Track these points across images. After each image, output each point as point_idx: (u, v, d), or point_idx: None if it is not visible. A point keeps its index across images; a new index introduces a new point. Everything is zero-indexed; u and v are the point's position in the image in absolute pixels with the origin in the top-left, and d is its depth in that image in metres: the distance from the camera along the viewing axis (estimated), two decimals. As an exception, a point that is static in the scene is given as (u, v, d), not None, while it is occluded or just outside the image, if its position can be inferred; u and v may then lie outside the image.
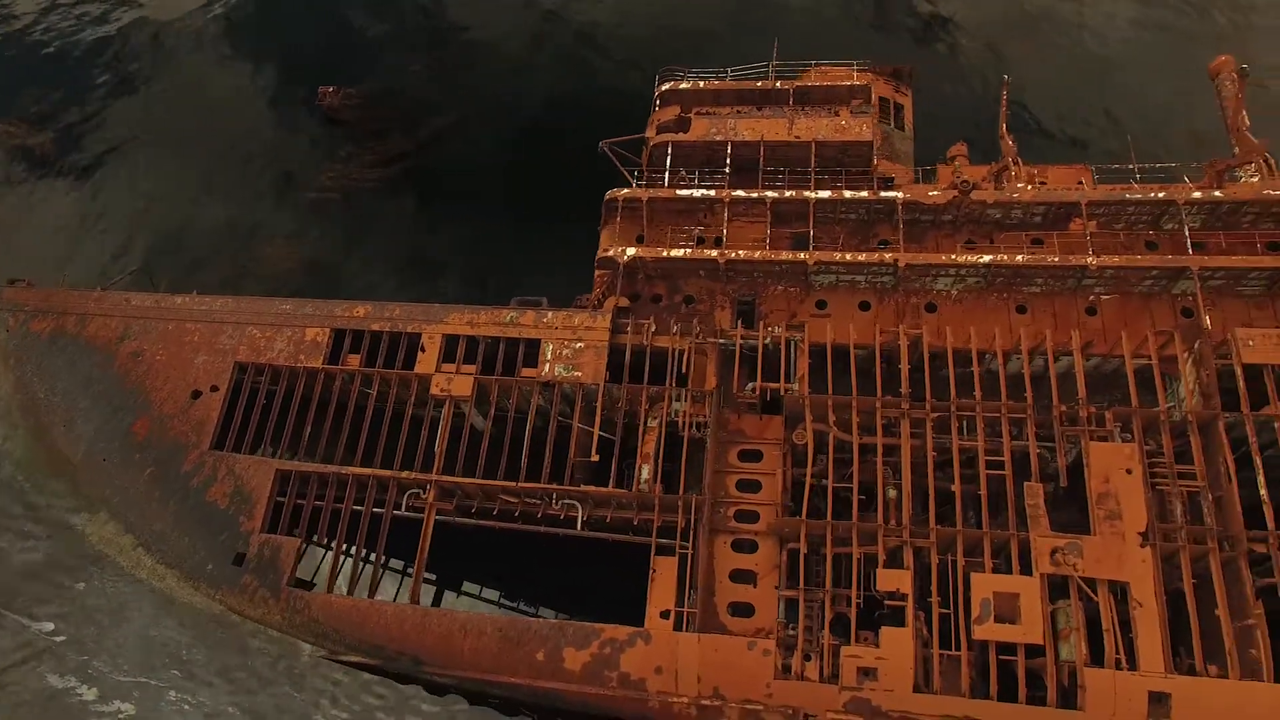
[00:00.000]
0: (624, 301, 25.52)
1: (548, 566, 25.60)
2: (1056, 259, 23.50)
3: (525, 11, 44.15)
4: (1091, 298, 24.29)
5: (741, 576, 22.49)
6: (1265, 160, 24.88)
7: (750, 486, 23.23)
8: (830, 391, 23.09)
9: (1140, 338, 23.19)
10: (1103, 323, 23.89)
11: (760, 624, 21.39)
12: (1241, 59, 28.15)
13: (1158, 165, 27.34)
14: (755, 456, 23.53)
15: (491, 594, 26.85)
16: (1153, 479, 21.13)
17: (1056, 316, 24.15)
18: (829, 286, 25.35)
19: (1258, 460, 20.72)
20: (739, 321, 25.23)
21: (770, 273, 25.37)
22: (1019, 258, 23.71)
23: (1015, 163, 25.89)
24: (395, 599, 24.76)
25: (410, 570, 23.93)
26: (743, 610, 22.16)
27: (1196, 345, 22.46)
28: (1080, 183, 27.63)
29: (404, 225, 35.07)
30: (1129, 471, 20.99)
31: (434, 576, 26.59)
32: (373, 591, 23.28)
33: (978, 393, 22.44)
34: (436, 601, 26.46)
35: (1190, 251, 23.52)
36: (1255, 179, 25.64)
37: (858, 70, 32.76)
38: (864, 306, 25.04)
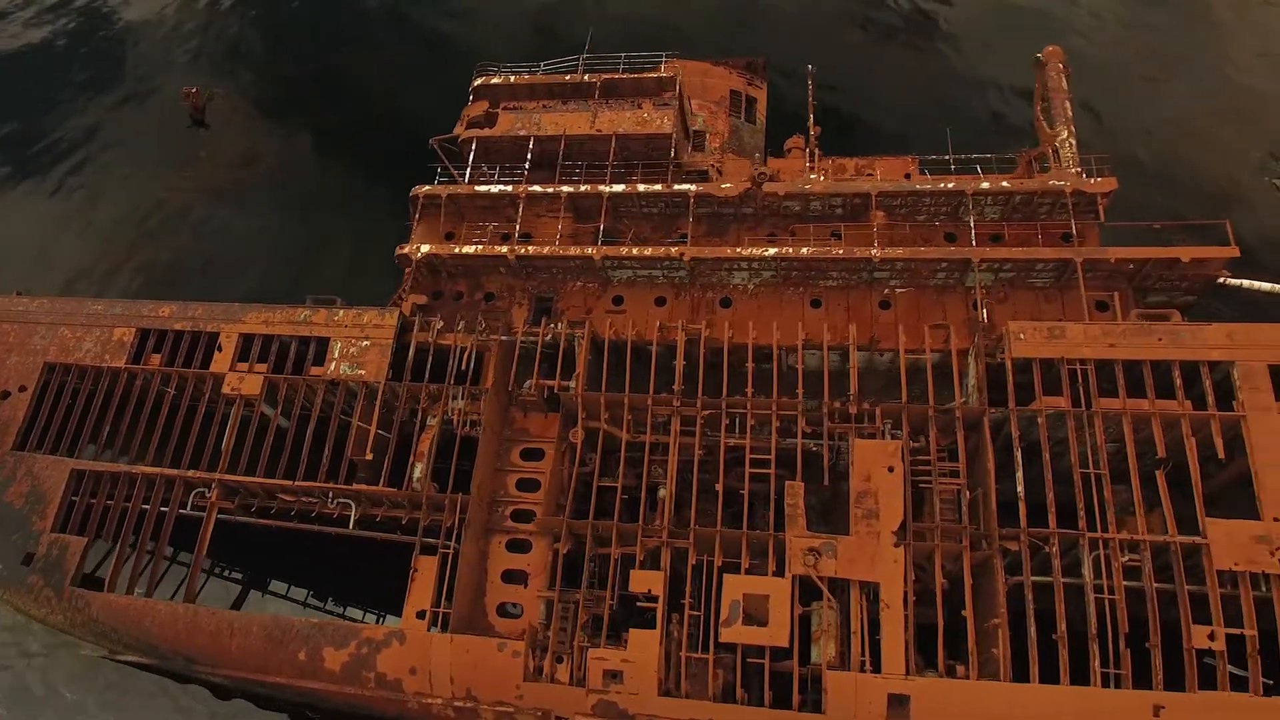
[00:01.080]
0: (421, 299, 25.26)
1: (359, 564, 25.40)
2: (841, 251, 23.02)
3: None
4: (886, 291, 23.81)
5: (513, 577, 22.22)
6: (1054, 150, 24.32)
7: (530, 485, 22.93)
8: (627, 389, 22.65)
9: (936, 332, 22.70)
10: (895, 316, 23.42)
11: (528, 624, 21.12)
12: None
13: (973, 156, 26.77)
14: (537, 455, 23.22)
15: (300, 593, 26.65)
16: (917, 477, 20.71)
17: (850, 310, 23.69)
18: (626, 282, 24.98)
19: (1018, 455, 20.23)
20: (542, 319, 24.89)
21: (568, 269, 25.05)
22: (804, 250, 23.24)
23: (809, 154, 25.42)
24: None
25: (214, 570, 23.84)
26: (511, 611, 21.91)
27: (976, 339, 21.96)
28: (908, 175, 27.21)
29: (258, 226, 34.89)
30: (891, 469, 20.51)
31: (240, 575, 26.47)
32: (151, 590, 23.17)
33: (749, 389, 22.00)
34: (241, 600, 26.34)
35: (974, 243, 23.01)
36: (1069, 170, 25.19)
37: (712, 64, 32.55)
38: (660, 302, 24.67)
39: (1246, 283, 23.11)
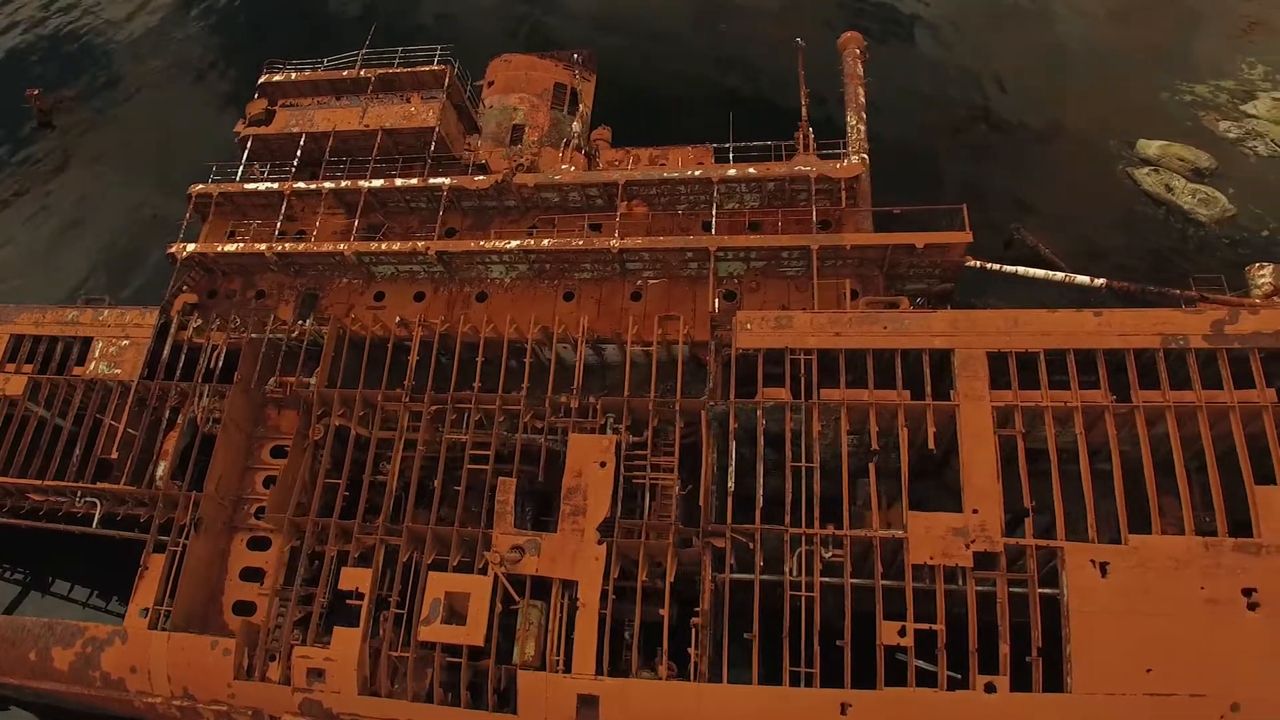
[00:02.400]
0: (192, 298, 25.22)
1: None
2: (581, 242, 22.59)
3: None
4: (639, 283, 23.34)
5: (251, 574, 22.14)
6: (804, 136, 23.70)
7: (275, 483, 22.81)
8: (361, 385, 22.48)
9: (688, 322, 22.17)
10: (644, 308, 22.93)
11: (242, 623, 21.00)
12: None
13: (767, 144, 26.02)
14: (285, 453, 23.09)
15: (81, 594, 26.72)
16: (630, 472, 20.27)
17: (601, 303, 23.25)
18: (389, 278, 24.76)
19: (732, 446, 19.74)
20: (310, 316, 24.75)
21: (333, 265, 24.87)
22: (545, 242, 22.84)
23: (574, 145, 24.96)
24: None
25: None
26: (246, 609, 21.83)
27: (715, 331, 21.43)
28: (702, 163, 26.65)
29: (106, 229, 35.21)
30: (603, 465, 20.08)
31: (20, 576, 26.60)
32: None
33: (476, 384, 21.65)
34: (19, 602, 26.41)
35: (714, 231, 22.46)
36: (856, 159, 24.55)
37: (539, 57, 32.24)
38: (419, 297, 24.42)
39: (992, 265, 22.46)
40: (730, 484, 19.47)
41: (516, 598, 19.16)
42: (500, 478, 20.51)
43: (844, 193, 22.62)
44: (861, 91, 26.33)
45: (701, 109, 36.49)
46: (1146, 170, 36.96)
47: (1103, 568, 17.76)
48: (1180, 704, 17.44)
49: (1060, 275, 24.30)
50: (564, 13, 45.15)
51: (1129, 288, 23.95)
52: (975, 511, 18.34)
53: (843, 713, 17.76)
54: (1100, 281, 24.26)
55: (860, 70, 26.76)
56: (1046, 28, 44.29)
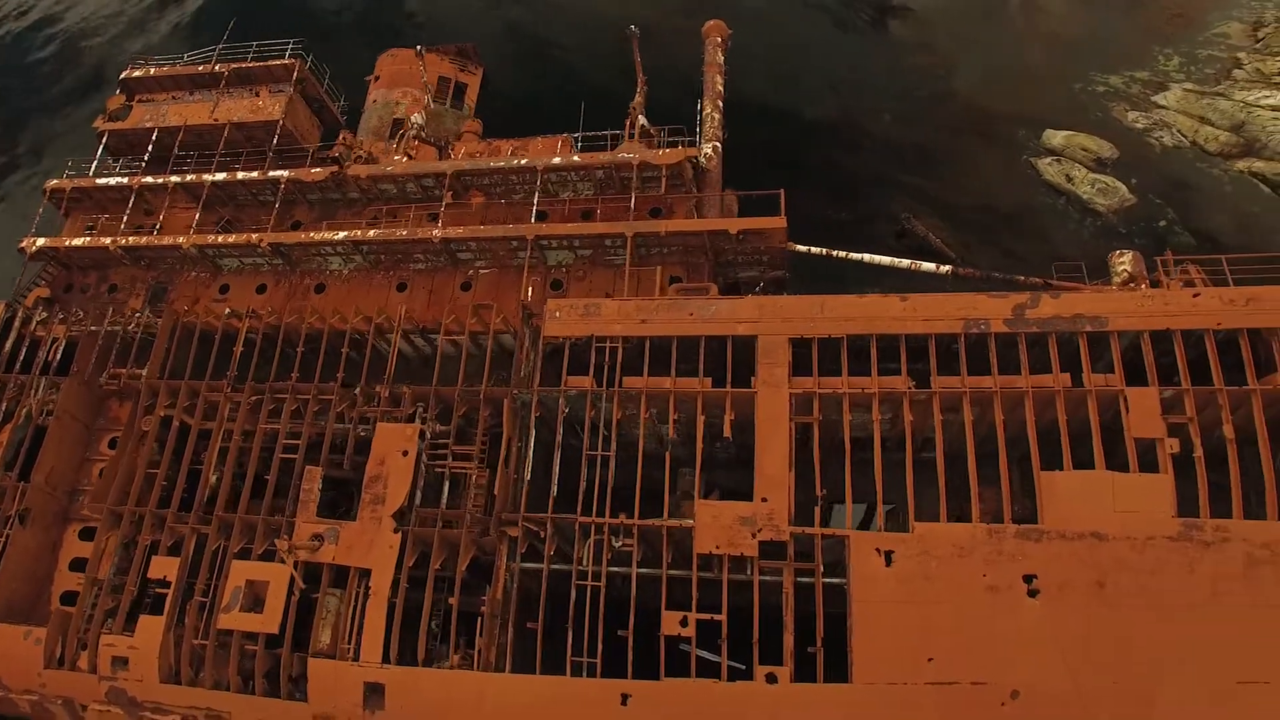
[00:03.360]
0: (44, 292, 25.40)
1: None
2: (405, 232, 22.60)
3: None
4: (470, 273, 23.31)
5: (80, 565, 22.20)
6: (634, 124, 23.58)
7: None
8: (187, 375, 22.48)
9: (512, 310, 22.09)
10: (474, 298, 22.88)
11: (53, 610, 21.06)
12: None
13: (618, 133, 25.96)
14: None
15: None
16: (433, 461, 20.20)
17: (433, 293, 23.23)
18: (234, 271, 24.85)
19: (531, 434, 19.65)
20: (152, 308, 24.82)
21: (181, 259, 24.98)
22: (371, 232, 22.90)
23: (411, 136, 24.96)
24: None
25: None
26: (72, 599, 21.89)
27: (531, 319, 21.33)
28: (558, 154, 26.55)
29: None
30: (405, 453, 20.05)
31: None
32: None
33: (294, 374, 21.67)
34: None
35: (534, 220, 22.42)
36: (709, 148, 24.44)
37: (425, 50, 32.26)
38: (261, 289, 24.47)
39: (816, 250, 22.32)
40: (527, 473, 19.40)
41: (301, 585, 19.14)
42: (308, 466, 20.52)
43: (664, 180, 22.44)
44: (719, 80, 26.22)
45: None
46: (1049, 160, 36.70)
47: (887, 556, 17.52)
48: (961, 692, 17.20)
49: (906, 262, 24.06)
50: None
51: (974, 274, 23.72)
52: (764, 500, 18.16)
53: (623, 703, 17.64)
54: (946, 268, 24.04)
55: (720, 59, 26.64)
56: (966, 19, 44.03)
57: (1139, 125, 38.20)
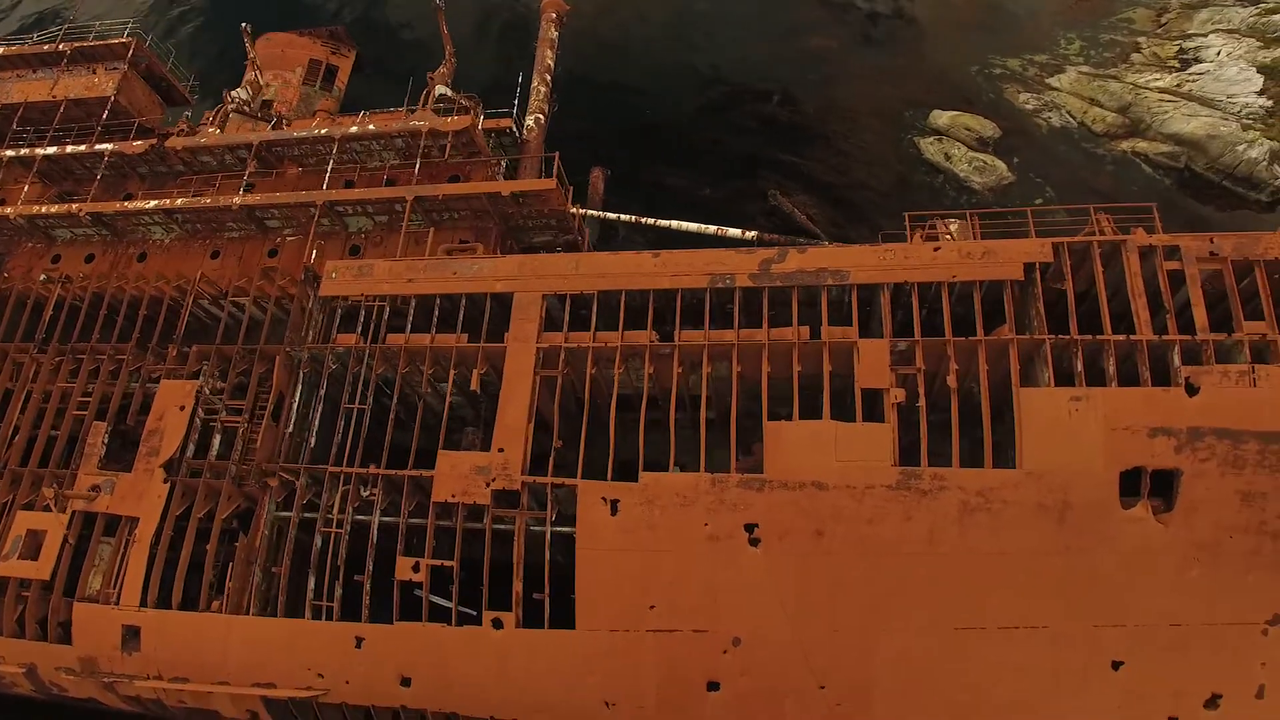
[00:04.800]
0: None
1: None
2: (209, 200, 23.32)
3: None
4: (278, 240, 23.95)
5: None
6: (430, 92, 24.16)
7: None
8: (17, 338, 23.41)
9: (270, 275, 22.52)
10: (280, 264, 23.50)
11: None
12: None
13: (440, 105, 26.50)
14: None
15: None
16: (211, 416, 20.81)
17: (242, 260, 23.88)
18: (67, 242, 25.72)
19: (298, 389, 20.20)
20: None
21: (16, 230, 25.89)
22: (179, 201, 23.67)
23: (231, 110, 25.73)
24: None
25: None
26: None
27: (315, 281, 21.84)
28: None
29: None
30: (182, 408, 20.69)
31: None
32: None
33: (95, 335, 22.46)
34: None
35: (326, 186, 23.02)
36: (531, 120, 25.00)
37: (297, 35, 33.16)
38: (89, 259, 25.30)
39: (599, 214, 22.71)
40: (289, 426, 19.95)
41: (72, 538, 19.83)
42: (95, 422, 21.27)
43: (449, 146, 22.91)
44: (550, 56, 26.81)
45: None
46: (931, 139, 36.67)
47: (613, 505, 17.81)
48: (683, 640, 17.48)
49: (713, 229, 24.39)
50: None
51: (778, 240, 23.95)
52: (501, 450, 18.53)
53: (357, 646, 18.11)
54: (752, 234, 24.29)
55: (553, 35, 27.22)
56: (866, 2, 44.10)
57: (1029, 106, 38.03)
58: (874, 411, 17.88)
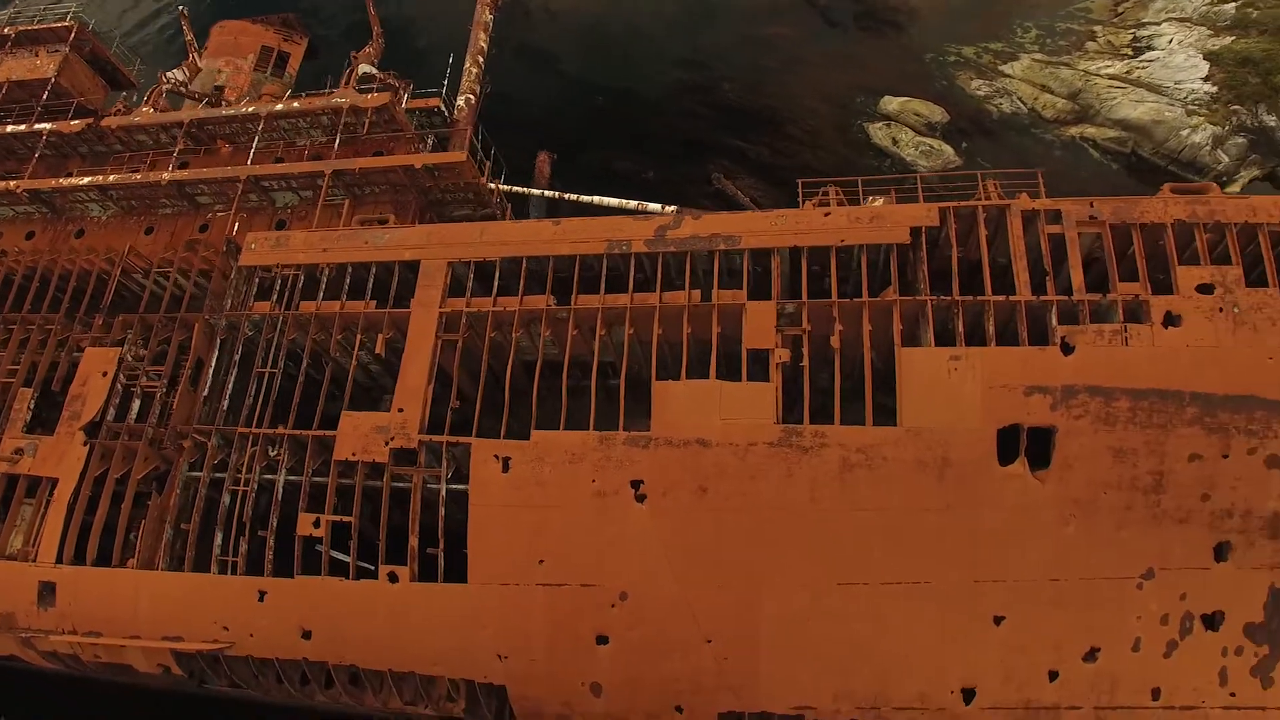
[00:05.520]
0: None
1: None
2: (140, 176, 24.02)
3: None
4: (209, 216, 24.62)
5: None
6: (354, 71, 24.82)
7: None
8: None
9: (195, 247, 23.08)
10: (209, 238, 24.15)
11: None
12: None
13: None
14: None
15: None
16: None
17: (174, 235, 24.56)
18: (9, 220, 26.52)
19: (214, 355, 20.85)
20: None
21: (-45, 208, 26.69)
22: (111, 177, 24.42)
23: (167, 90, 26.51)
24: None
25: None
26: None
27: (235, 253, 22.41)
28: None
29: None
30: (105, 374, 21.34)
31: None
32: None
33: (25, 307, 23.16)
34: None
35: (250, 163, 23.69)
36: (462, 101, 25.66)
37: (250, 22, 33.93)
38: (30, 235, 26.05)
39: (521, 189, 23.29)
40: (205, 391, 20.58)
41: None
42: (21, 389, 21.97)
43: (368, 122, 23.55)
44: (483, 38, 27.40)
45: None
46: (880, 124, 37.08)
47: (505, 462, 18.30)
48: (571, 593, 17.94)
49: (633, 203, 24.87)
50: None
51: (696, 211, 24.37)
52: (400, 410, 19.08)
53: (260, 599, 18.67)
54: (671, 209, 24.70)
55: (487, 18, 27.81)
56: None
57: (980, 93, 38.41)
58: (764, 373, 18.31)
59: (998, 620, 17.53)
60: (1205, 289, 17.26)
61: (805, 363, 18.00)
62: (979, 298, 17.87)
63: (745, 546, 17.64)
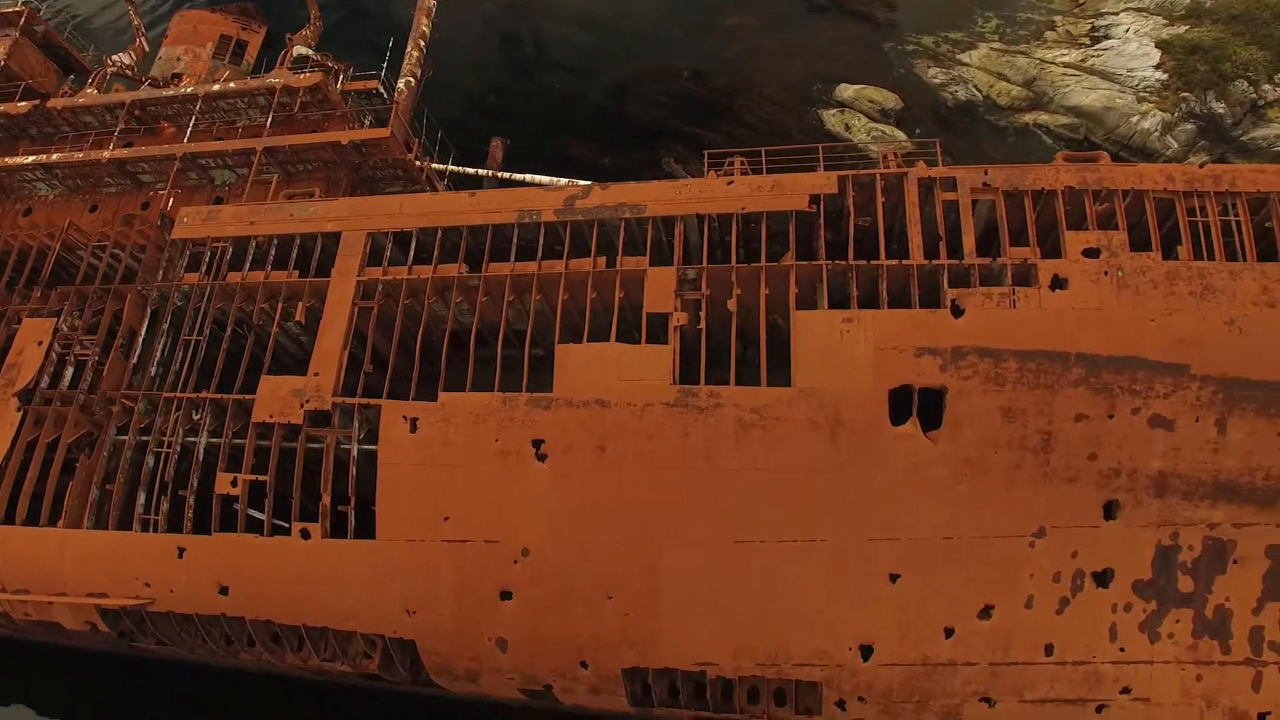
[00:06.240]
0: None
1: None
2: (81, 155, 24.78)
3: None
4: (151, 194, 25.33)
5: None
6: (289, 52, 25.45)
7: None
8: None
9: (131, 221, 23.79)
10: (148, 215, 24.76)
11: None
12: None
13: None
14: None
15: None
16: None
17: (117, 213, 25.25)
18: (-38, 200, 27.36)
19: (144, 324, 21.47)
20: None
21: (-82, 187, 27.51)
22: (54, 156, 25.18)
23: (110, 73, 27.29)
24: None
25: None
26: None
27: (169, 227, 22.99)
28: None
29: None
30: (40, 343, 22.04)
31: None
32: None
33: (2, 281, 23.91)
34: None
35: (186, 140, 24.41)
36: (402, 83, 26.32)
37: (209, 11, 34.82)
38: (-18, 216, 26.89)
39: (441, 167, 23.82)
40: (135, 358, 21.22)
41: None
42: (-37, 359, 22.73)
43: (299, 101, 24.21)
44: (425, 22, 27.97)
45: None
46: (834, 111, 37.47)
47: (413, 423, 18.84)
48: (475, 549, 18.44)
49: (564, 181, 25.46)
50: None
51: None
52: (316, 374, 19.66)
53: (179, 556, 19.26)
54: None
55: (430, 3, 28.37)
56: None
57: (936, 80, 38.76)
58: (665, 337, 18.78)
59: (893, 578, 17.87)
60: (1091, 253, 17.61)
61: (703, 325, 18.45)
62: (873, 262, 18.29)
63: (644, 505, 18.07)
